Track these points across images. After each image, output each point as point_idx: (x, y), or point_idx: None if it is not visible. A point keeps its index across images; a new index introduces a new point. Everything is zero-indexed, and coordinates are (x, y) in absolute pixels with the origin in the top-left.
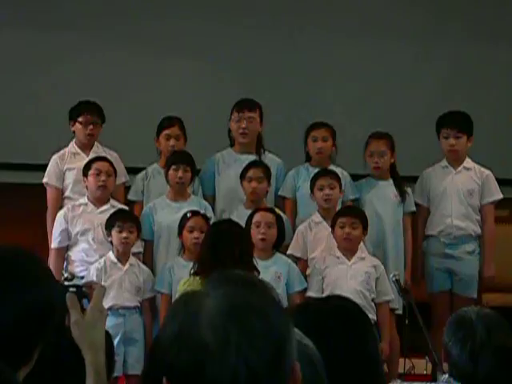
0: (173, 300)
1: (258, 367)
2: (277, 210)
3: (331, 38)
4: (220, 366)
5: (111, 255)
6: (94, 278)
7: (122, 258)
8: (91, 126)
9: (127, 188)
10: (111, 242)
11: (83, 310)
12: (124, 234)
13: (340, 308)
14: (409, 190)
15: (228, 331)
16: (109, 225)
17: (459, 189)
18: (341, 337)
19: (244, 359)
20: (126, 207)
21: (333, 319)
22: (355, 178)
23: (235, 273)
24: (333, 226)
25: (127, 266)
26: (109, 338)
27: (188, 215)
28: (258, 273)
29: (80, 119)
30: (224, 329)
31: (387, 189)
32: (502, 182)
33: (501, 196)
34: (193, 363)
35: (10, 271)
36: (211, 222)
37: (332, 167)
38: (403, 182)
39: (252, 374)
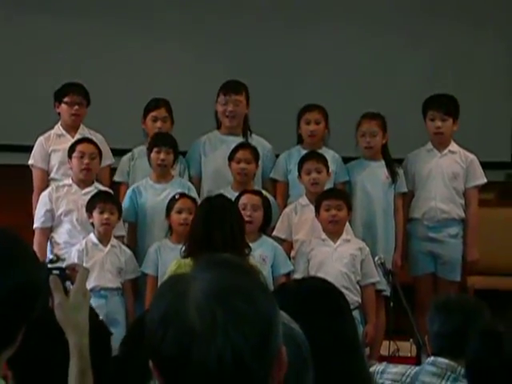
0: (159, 282)
1: (244, 351)
2: (264, 192)
3: (321, 21)
4: (206, 350)
5: (92, 237)
6: (76, 260)
7: (104, 239)
8: (76, 107)
9: (113, 170)
10: (92, 224)
11: (66, 292)
12: (105, 216)
13: (315, 289)
14: (400, 171)
15: (214, 314)
16: (90, 206)
17: (444, 172)
18: (317, 317)
19: (230, 343)
20: (109, 190)
21: (308, 300)
22: (346, 160)
23: (223, 256)
24: (317, 209)
25: (108, 247)
26: (97, 317)
27: (176, 197)
28: (250, 250)
29: (65, 99)
30: (211, 312)
31: (378, 170)
32: (486, 166)
33: (485, 180)
34: (179, 346)
35: None
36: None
37: (324, 150)
38: (395, 163)
39: (238, 357)
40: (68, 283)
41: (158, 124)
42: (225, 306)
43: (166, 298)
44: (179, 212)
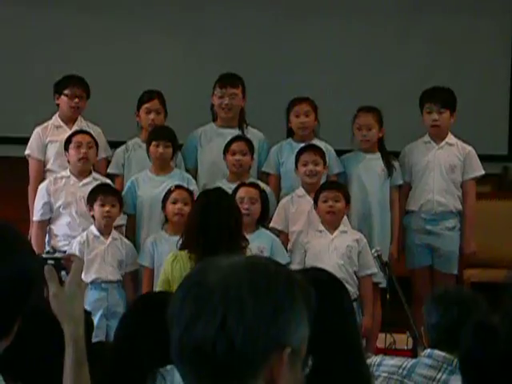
0: (155, 273)
1: (237, 336)
2: (261, 184)
3: (315, 14)
4: (205, 329)
5: (93, 229)
6: (77, 252)
7: (105, 231)
8: (77, 99)
9: (109, 163)
10: (93, 216)
11: (62, 282)
12: (106, 208)
13: (316, 279)
14: (396, 163)
15: (222, 298)
16: (91, 199)
17: (441, 164)
18: (319, 308)
19: (227, 335)
20: (108, 180)
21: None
22: (340, 153)
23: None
24: (316, 201)
25: (109, 239)
26: (87, 314)
27: (171, 188)
28: (247, 242)
29: (66, 91)
30: (221, 293)
31: (374, 162)
32: (484, 158)
33: (482, 172)
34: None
35: None
36: (195, 194)
37: (316, 141)
38: (390, 156)
39: (230, 342)
40: (63, 273)
41: (152, 116)
42: (239, 285)
43: (198, 266)
44: (174, 203)
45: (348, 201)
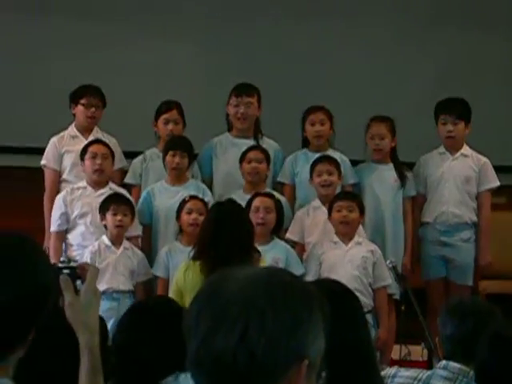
0: (170, 284)
1: (258, 348)
2: (276, 194)
3: (330, 24)
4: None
5: (105, 239)
6: (89, 262)
7: (116, 241)
8: (93, 109)
9: (125, 173)
10: (105, 226)
11: (77, 291)
12: (118, 217)
13: (329, 290)
14: (409, 174)
15: (241, 309)
16: (103, 208)
17: (456, 175)
18: (332, 319)
19: (248, 346)
20: (124, 191)
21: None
22: (354, 163)
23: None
24: (330, 211)
25: (121, 249)
26: (102, 321)
27: (186, 199)
28: (259, 254)
29: (82, 101)
30: (238, 305)
31: (387, 173)
32: (499, 169)
33: (498, 183)
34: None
35: (6, 254)
36: (210, 205)
37: (331, 151)
38: (403, 167)
39: (251, 353)
40: (78, 282)
41: (170, 126)
42: (259, 297)
43: (214, 277)
44: (189, 213)
45: (362, 211)
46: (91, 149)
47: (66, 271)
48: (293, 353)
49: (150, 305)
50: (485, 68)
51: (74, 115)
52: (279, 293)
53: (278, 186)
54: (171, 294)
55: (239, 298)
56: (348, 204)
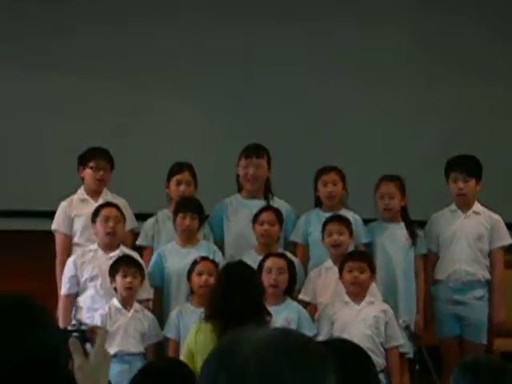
0: (181, 346)
1: None
2: (288, 255)
3: (339, 81)
4: None
5: (115, 301)
6: (99, 325)
7: (127, 303)
8: (101, 172)
9: (136, 235)
10: (115, 289)
11: (86, 354)
12: (128, 279)
13: (341, 349)
14: (420, 232)
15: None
16: (113, 270)
17: (468, 233)
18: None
19: None
20: (136, 254)
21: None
22: (366, 222)
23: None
24: (340, 271)
25: (132, 311)
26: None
27: (197, 260)
28: (271, 316)
29: (91, 164)
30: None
31: (398, 232)
32: (511, 227)
33: (510, 241)
34: None
35: (16, 318)
36: (220, 266)
37: (343, 211)
38: (414, 225)
39: None
40: (88, 345)
41: (182, 188)
42: (275, 359)
43: (226, 339)
44: (200, 274)
45: (373, 271)
46: (103, 212)
47: (75, 334)
48: None
49: (161, 367)
50: (495, 123)
51: (83, 178)
52: (296, 354)
53: (291, 246)
54: (182, 356)
55: (255, 360)
56: (359, 265)
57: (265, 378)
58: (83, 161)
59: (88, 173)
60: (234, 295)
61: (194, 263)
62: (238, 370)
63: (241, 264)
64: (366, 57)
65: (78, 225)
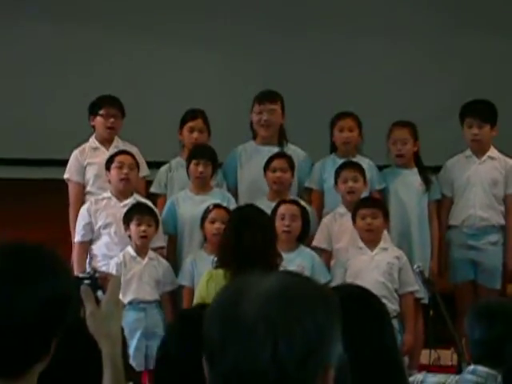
0: (195, 292)
1: (289, 364)
2: (301, 202)
3: (355, 29)
4: (253, 359)
5: (130, 249)
6: (114, 273)
7: (141, 251)
8: (112, 119)
9: (148, 182)
10: (129, 236)
11: (98, 301)
12: (142, 228)
13: (354, 295)
14: (434, 178)
15: (268, 321)
16: (127, 218)
17: (483, 178)
18: (356, 325)
19: (278, 357)
20: (148, 201)
21: (347, 307)
22: (379, 168)
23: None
24: (354, 218)
25: (146, 259)
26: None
27: (210, 207)
28: (282, 259)
29: (101, 112)
30: (265, 318)
31: (412, 177)
32: None
33: None
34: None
35: (30, 265)
36: None
37: (359, 157)
38: (428, 171)
39: (283, 369)
40: (100, 293)
41: (195, 135)
42: (281, 313)
43: (224, 296)
44: (212, 222)
45: (386, 217)
46: (118, 158)
47: (86, 281)
48: (321, 362)
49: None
50: (510, 71)
51: (94, 127)
52: (301, 305)
53: (305, 192)
54: (195, 304)
55: (262, 317)
56: (372, 211)
57: (275, 335)
58: (94, 109)
59: (99, 121)
60: (244, 239)
61: (207, 211)
62: (246, 331)
63: (250, 207)
64: (380, 4)
65: (91, 173)
